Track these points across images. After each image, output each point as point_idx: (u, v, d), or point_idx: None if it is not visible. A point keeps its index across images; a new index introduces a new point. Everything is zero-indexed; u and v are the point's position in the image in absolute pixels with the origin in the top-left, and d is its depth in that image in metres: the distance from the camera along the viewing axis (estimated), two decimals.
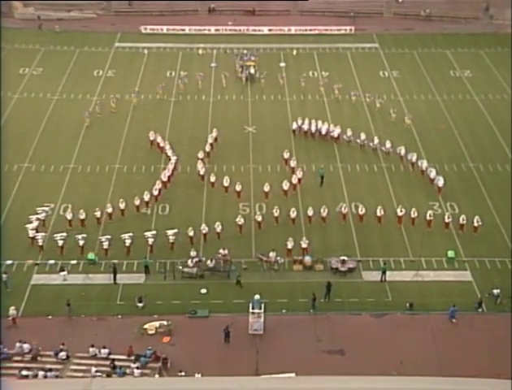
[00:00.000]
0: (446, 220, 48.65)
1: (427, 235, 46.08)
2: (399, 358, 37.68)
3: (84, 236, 46.00)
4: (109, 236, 46.19)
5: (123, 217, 49.18)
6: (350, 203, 50.85)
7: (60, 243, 45.83)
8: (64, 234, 46.21)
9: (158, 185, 51.58)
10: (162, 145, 57.56)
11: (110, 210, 49.02)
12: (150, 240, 46.28)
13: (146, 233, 46.62)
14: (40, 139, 59.68)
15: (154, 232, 46.70)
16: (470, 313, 41.85)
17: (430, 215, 48.71)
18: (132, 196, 50.11)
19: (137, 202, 49.62)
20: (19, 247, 46.29)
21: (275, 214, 48.85)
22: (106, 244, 45.86)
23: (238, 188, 51.76)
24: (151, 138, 58.17)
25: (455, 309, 41.17)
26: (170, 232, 46.57)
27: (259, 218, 48.67)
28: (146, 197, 50.21)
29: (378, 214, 49.11)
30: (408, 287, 43.92)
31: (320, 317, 41.40)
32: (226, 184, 52.42)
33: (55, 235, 46.21)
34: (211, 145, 57.70)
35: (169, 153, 56.13)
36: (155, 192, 51.00)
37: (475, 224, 48.09)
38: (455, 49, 78.61)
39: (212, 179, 53.15)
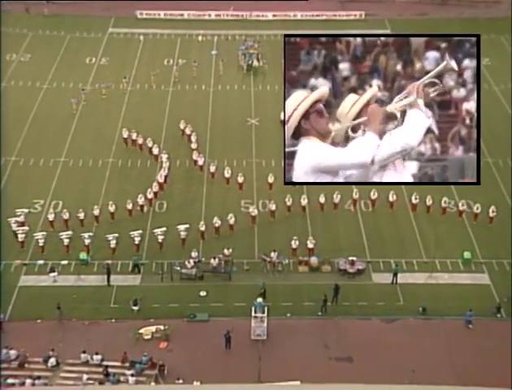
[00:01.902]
0: (460, 208, 49.26)
1: (442, 234, 46.22)
2: (411, 366, 37.57)
3: (91, 234, 46.23)
4: (116, 235, 46.22)
5: (113, 220, 48.97)
6: (360, 197, 50.73)
7: (66, 242, 45.97)
8: (70, 232, 46.39)
9: (155, 188, 51.17)
10: (139, 142, 56.61)
11: (96, 212, 48.71)
12: (160, 238, 46.35)
13: (156, 230, 46.75)
14: (28, 130, 59.84)
15: (163, 229, 46.73)
16: (487, 318, 41.87)
17: (445, 202, 49.45)
18: (126, 193, 50.21)
19: (130, 206, 49.26)
20: (6, 247, 46.25)
21: (288, 203, 49.31)
22: (113, 243, 45.88)
23: (240, 179, 52.11)
24: (124, 136, 57.26)
25: (472, 314, 41.20)
26: (181, 227, 46.61)
27: (273, 207, 49.07)
28: (141, 201, 49.86)
29: (390, 199, 49.75)
30: (421, 290, 44.01)
31: (327, 321, 41.52)
32: (227, 175, 52.67)
33: (61, 233, 46.30)
34: (194, 133, 57.79)
35: (155, 151, 55.44)
36: (150, 196, 50.44)
37: (491, 214, 48.45)
38: None
39: (212, 169, 53.40)
